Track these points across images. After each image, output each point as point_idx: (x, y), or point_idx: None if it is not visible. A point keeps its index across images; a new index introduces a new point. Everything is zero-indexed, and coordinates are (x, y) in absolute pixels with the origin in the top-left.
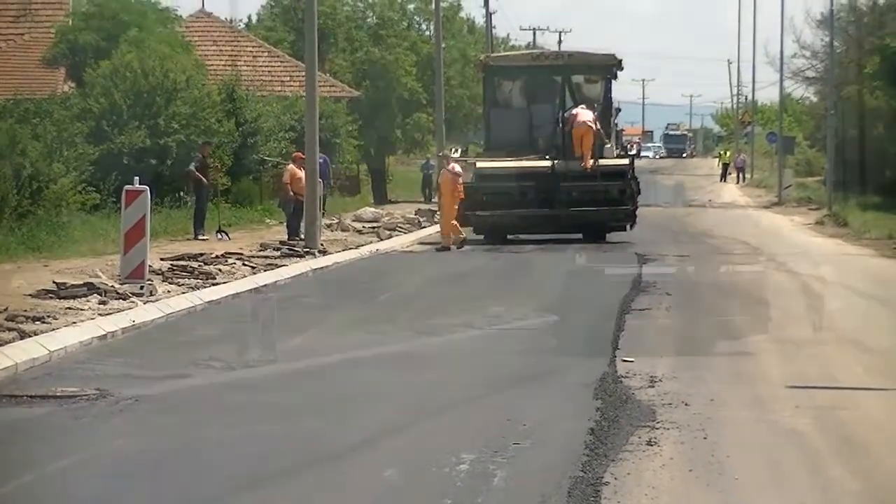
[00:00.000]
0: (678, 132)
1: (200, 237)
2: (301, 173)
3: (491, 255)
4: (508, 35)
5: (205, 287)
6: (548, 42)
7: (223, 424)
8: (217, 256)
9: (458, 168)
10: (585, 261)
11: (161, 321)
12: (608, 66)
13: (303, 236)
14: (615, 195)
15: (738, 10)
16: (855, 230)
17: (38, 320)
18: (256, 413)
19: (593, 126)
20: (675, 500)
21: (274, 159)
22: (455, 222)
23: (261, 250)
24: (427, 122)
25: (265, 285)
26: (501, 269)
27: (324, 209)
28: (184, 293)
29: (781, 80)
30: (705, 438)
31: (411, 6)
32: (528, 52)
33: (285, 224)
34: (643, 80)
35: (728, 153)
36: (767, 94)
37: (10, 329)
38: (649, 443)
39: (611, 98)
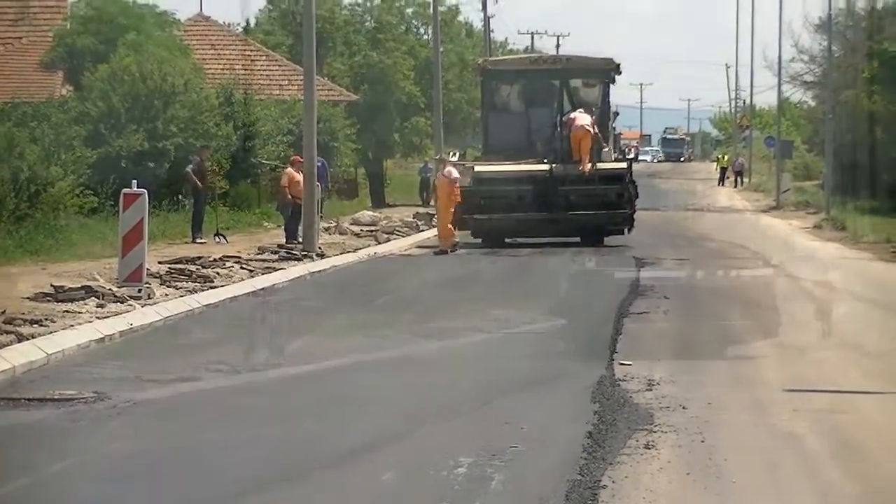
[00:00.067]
0: (676, 136)
1: (198, 240)
2: (299, 177)
3: (489, 258)
4: (506, 39)
5: (202, 290)
6: (546, 46)
7: (222, 428)
8: (215, 260)
9: (454, 173)
10: (583, 264)
11: (159, 324)
12: (606, 70)
13: (300, 240)
14: (613, 199)
15: (737, 14)
16: (853, 234)
17: (35, 323)
18: (256, 416)
19: (591, 130)
20: (672, 503)
21: (272, 163)
22: (451, 226)
23: (259, 254)
24: (425, 125)
25: (263, 289)
26: (499, 272)
27: (321, 213)
28: (181, 296)
29: (780, 85)
30: (703, 442)
31: (409, 10)
32: (526, 55)
33: (283, 227)
34: (641, 84)
35: (726, 157)
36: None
37: (7, 332)
38: (647, 446)
39: (609, 102)
